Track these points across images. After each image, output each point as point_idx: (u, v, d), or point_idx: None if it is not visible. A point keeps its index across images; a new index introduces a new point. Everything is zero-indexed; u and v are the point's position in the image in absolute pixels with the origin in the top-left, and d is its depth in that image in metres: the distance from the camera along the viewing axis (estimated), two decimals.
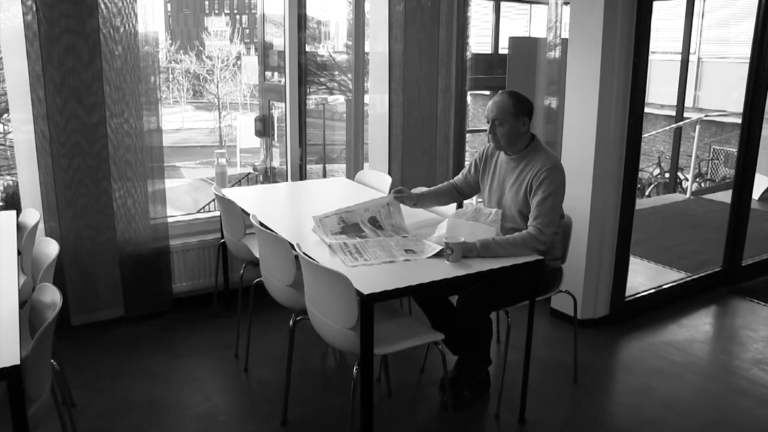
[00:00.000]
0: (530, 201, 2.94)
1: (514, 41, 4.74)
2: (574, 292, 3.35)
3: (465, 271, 2.61)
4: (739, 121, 4.83)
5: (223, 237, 3.92)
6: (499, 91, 3.07)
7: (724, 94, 12.08)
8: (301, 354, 3.51)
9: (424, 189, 3.40)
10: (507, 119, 2.96)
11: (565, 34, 5.19)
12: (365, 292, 2.33)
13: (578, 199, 3.80)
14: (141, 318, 3.95)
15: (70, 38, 3.45)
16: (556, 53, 5.28)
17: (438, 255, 2.74)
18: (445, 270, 2.61)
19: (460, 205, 3.48)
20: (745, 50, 4.60)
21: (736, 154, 4.88)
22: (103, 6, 3.49)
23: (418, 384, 3.35)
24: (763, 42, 4.47)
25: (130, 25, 3.58)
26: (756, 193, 7.51)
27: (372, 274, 2.54)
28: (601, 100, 3.67)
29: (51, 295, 2.20)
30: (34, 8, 3.33)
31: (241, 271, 3.58)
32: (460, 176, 3.37)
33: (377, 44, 4.61)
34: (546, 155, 2.98)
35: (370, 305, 2.35)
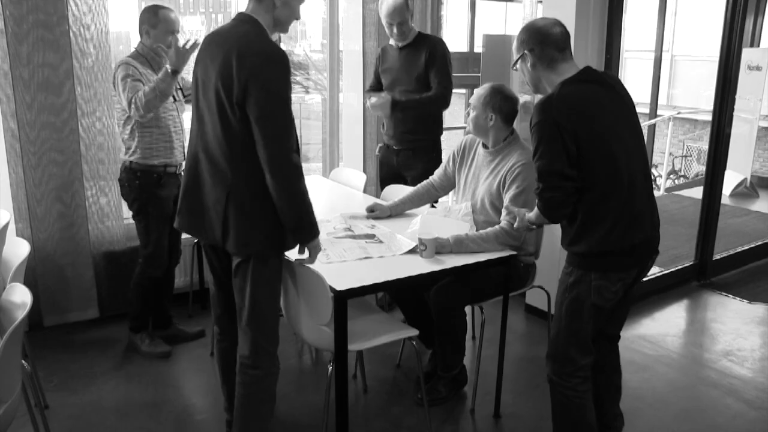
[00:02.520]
0: (503, 195, 2.96)
1: (488, 39, 4.76)
2: (548, 288, 3.37)
3: (438, 266, 2.63)
4: (710, 118, 4.90)
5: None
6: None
7: (696, 91, 12.25)
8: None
9: (396, 201, 3.39)
10: (476, 106, 3.06)
11: None
12: (338, 288, 2.34)
13: None
14: (115, 318, 3.91)
15: (38, 34, 3.40)
16: None
17: (412, 251, 2.75)
18: (419, 266, 2.62)
19: (432, 205, 3.50)
20: (716, 49, 4.67)
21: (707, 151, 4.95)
22: (72, 3, 3.45)
23: (393, 380, 3.37)
24: (732, 41, 4.54)
25: (102, 23, 3.55)
26: (727, 190, 7.64)
27: (346, 271, 2.54)
28: None
29: (21, 296, 2.18)
30: (1, 4, 3.28)
31: (162, 266, 3.54)
32: (438, 171, 3.40)
33: (352, 42, 4.61)
34: (522, 150, 3.02)
35: (343, 301, 2.36)
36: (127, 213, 3.85)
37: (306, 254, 2.33)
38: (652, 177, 10.97)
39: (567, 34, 2.32)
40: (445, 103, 3.82)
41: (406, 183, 3.83)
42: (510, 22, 6.52)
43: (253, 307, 2.31)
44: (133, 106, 3.07)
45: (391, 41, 3.83)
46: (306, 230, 2.26)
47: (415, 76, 3.76)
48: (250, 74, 2.09)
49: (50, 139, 3.55)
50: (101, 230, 3.80)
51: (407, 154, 3.89)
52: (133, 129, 3.25)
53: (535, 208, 2.34)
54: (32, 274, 3.61)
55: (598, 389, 2.61)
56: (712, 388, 3.36)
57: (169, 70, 3.03)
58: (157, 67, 3.26)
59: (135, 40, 3.70)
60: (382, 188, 3.92)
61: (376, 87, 4.01)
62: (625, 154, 2.23)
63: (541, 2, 4.27)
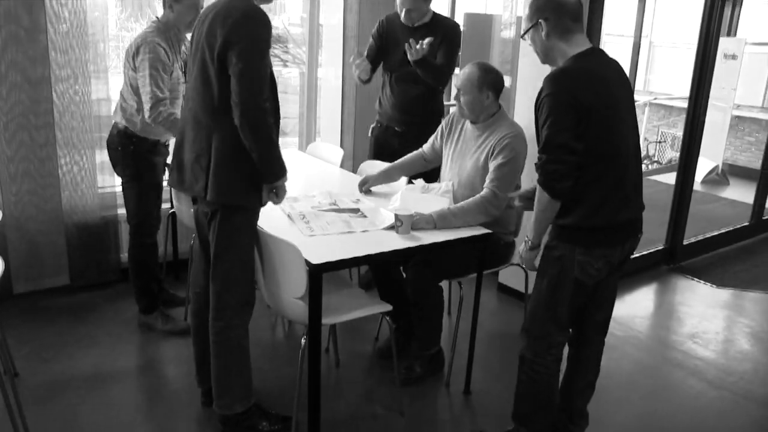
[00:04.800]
0: (489, 164, 2.98)
1: (469, 17, 4.75)
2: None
3: (415, 243, 2.65)
4: (685, 105, 4.95)
5: (173, 207, 3.86)
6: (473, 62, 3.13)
7: (673, 78, 12.36)
8: (250, 324, 3.50)
9: (386, 167, 3.43)
10: (470, 90, 3.03)
11: (520, 13, 5.22)
12: (314, 261, 2.35)
13: (530, 175, 3.85)
14: (87, 287, 3.88)
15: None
16: (511, 31, 5.30)
17: (392, 226, 2.76)
18: (396, 242, 2.64)
19: (410, 181, 3.51)
20: (695, 37, 4.72)
21: (681, 137, 5.01)
22: None
23: (366, 354, 3.39)
24: (710, 30, 4.59)
25: None
26: (699, 176, 7.75)
27: (323, 245, 2.55)
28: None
29: None
30: None
31: (191, 242, 3.53)
32: (427, 144, 3.42)
33: (331, 16, 4.57)
34: (510, 124, 3.06)
35: (318, 275, 2.36)
36: (102, 182, 3.82)
37: (272, 198, 2.46)
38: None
39: (581, 5, 2.29)
40: (442, 80, 3.73)
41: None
42: (491, 1, 6.50)
43: (216, 258, 2.45)
44: (154, 112, 3.02)
45: (402, 17, 3.68)
46: (274, 169, 2.36)
47: (430, 58, 3.60)
48: (231, 29, 2.20)
49: (23, 103, 3.49)
50: (74, 198, 3.75)
51: (411, 136, 3.71)
52: (140, 100, 3.15)
53: (532, 184, 2.34)
54: (3, 240, 3.56)
55: (570, 383, 2.63)
56: (677, 369, 3.45)
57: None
58: (176, 44, 3.18)
59: (112, 6, 3.63)
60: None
61: (373, 58, 3.81)
62: (624, 134, 2.25)
63: None
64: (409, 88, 3.72)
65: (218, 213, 2.40)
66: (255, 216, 2.48)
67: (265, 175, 2.37)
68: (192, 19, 3.16)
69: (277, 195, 2.45)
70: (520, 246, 2.45)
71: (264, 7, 2.31)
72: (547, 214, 2.26)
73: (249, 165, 2.32)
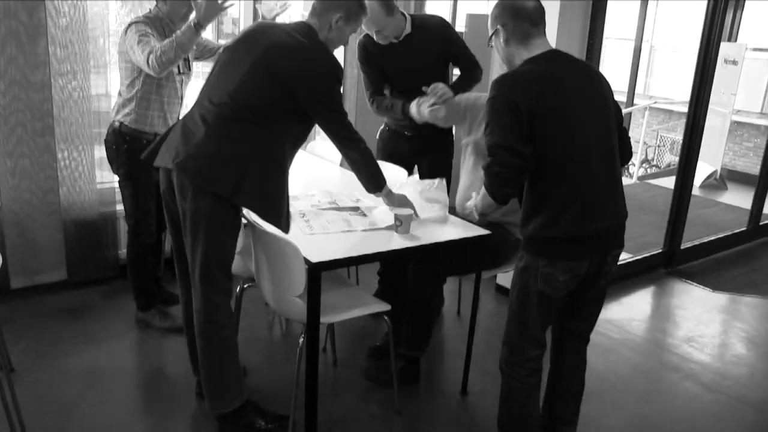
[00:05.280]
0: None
1: (471, 18, 4.74)
2: None
3: (415, 242, 2.65)
4: (685, 109, 4.96)
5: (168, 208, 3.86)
6: None
7: (673, 82, 12.38)
8: (248, 322, 3.51)
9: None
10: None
11: None
12: (313, 260, 2.34)
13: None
14: (85, 283, 3.88)
15: None
16: None
17: (391, 227, 2.76)
18: (396, 241, 2.64)
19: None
20: (695, 42, 4.72)
21: (681, 142, 5.02)
22: None
23: (364, 354, 3.39)
24: (711, 35, 4.59)
25: None
26: (697, 181, 7.77)
27: (322, 243, 2.55)
28: None
29: None
30: None
31: (153, 233, 3.52)
32: (371, 86, 3.50)
33: None
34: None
35: (317, 273, 2.36)
36: (100, 177, 3.82)
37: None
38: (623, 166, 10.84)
39: (541, 9, 2.27)
40: (478, 75, 3.51)
41: (410, 171, 3.65)
42: (493, 2, 6.50)
43: (194, 261, 2.45)
44: (151, 58, 2.92)
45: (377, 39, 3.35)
46: (378, 182, 2.69)
47: (431, 66, 3.41)
48: (314, 79, 2.38)
49: (22, 97, 3.48)
50: (73, 193, 3.74)
51: (421, 140, 3.56)
52: (137, 92, 3.15)
53: (482, 189, 2.28)
54: (0, 235, 3.55)
55: (552, 392, 2.58)
56: (672, 372, 3.45)
57: (194, 23, 2.91)
58: (170, 36, 3.13)
59: (112, 1, 3.63)
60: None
61: (381, 87, 3.54)
62: (583, 138, 2.16)
63: None
64: (388, 109, 3.48)
65: (207, 210, 2.35)
66: (237, 217, 2.46)
67: (371, 189, 2.69)
68: (186, 12, 3.16)
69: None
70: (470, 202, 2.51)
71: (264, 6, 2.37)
72: (490, 209, 2.36)
73: (273, 182, 2.40)
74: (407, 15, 3.34)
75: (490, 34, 2.31)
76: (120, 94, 3.26)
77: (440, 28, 3.44)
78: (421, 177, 3.56)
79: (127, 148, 3.22)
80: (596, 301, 2.44)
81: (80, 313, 3.61)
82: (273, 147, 2.40)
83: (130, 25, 3.08)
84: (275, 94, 2.35)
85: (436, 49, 3.39)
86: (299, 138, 2.51)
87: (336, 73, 2.42)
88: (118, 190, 3.86)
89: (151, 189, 3.32)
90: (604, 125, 2.25)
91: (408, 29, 3.34)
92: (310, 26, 2.44)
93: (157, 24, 3.14)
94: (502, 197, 2.20)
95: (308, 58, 2.37)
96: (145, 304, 3.49)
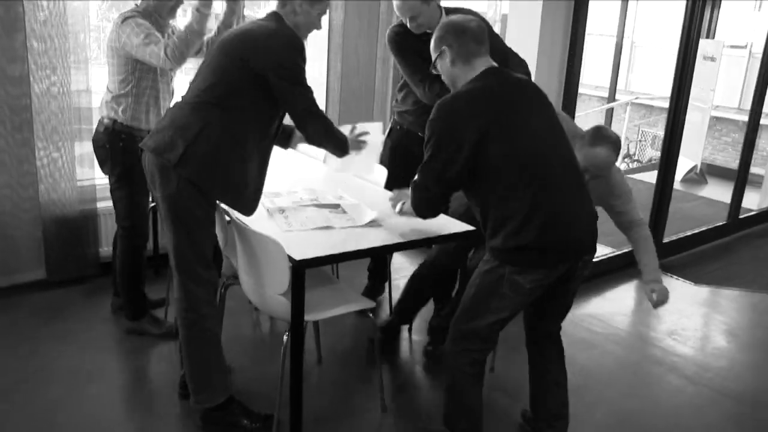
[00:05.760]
0: None
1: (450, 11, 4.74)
2: None
3: (397, 239, 2.64)
4: (666, 105, 5.00)
5: (153, 200, 3.82)
6: None
7: (653, 78, 12.48)
8: (232, 320, 3.48)
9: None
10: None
11: (505, 11, 5.23)
12: (297, 258, 2.33)
13: None
14: (65, 282, 3.83)
15: None
16: (495, 29, 5.31)
17: (372, 223, 2.75)
18: (378, 237, 2.62)
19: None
20: (675, 39, 4.76)
21: (662, 137, 5.06)
22: None
23: (348, 350, 3.38)
24: (691, 32, 4.62)
25: None
26: (678, 175, 7.84)
27: (304, 240, 2.53)
28: (537, 76, 3.72)
29: None
30: None
31: (147, 236, 3.48)
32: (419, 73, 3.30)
33: None
34: None
35: (301, 271, 2.35)
36: (81, 174, 3.76)
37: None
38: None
39: (484, 28, 2.31)
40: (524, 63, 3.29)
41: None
42: (475, 7, 6.54)
43: (176, 253, 2.46)
44: (168, 52, 2.88)
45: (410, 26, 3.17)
46: (341, 148, 2.73)
47: None
48: (275, 53, 2.36)
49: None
50: (53, 191, 3.69)
51: None
52: (132, 89, 3.09)
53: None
54: None
55: (536, 387, 2.61)
56: (656, 366, 3.48)
57: (197, 10, 2.91)
58: (158, 30, 3.07)
59: None
60: (394, 179, 3.38)
61: (426, 68, 3.11)
62: (538, 148, 2.19)
63: None
64: (436, 95, 3.09)
65: (174, 198, 2.37)
66: (212, 209, 2.48)
67: (337, 154, 2.72)
68: (173, 5, 3.12)
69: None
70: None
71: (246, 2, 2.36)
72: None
73: (227, 157, 2.39)
74: (442, 8, 3.19)
75: (434, 57, 2.34)
76: (109, 90, 3.18)
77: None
78: None
79: (123, 146, 3.12)
80: (566, 305, 2.50)
81: (60, 312, 3.56)
82: (234, 130, 2.39)
83: (125, 19, 2.99)
84: (236, 73, 2.37)
85: None
86: (266, 125, 2.50)
87: (296, 44, 2.40)
88: (99, 187, 3.84)
89: (146, 188, 3.23)
90: (557, 134, 2.28)
91: (444, 20, 3.16)
92: (276, 13, 2.47)
93: (148, 18, 3.08)
94: (424, 218, 2.42)
95: (268, 33, 2.39)
96: (136, 313, 3.36)
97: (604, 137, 2.68)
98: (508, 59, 3.15)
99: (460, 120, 2.15)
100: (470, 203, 2.38)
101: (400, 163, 3.47)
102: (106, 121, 3.16)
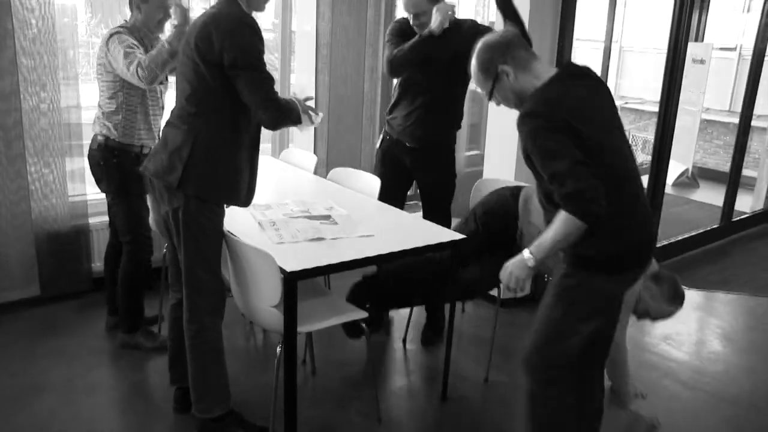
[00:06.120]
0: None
1: None
2: None
3: (389, 249, 2.64)
4: (656, 109, 5.02)
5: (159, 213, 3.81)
6: None
7: (643, 82, 12.52)
8: (225, 332, 3.44)
9: None
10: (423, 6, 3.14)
11: (492, 18, 5.25)
12: (288, 270, 2.33)
13: (502, 183, 3.88)
14: (58, 298, 3.81)
15: None
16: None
17: (363, 234, 2.75)
18: (370, 248, 2.63)
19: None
20: (664, 42, 4.78)
21: (652, 141, 5.08)
22: None
23: (343, 361, 3.37)
24: (679, 35, 4.65)
25: None
26: (669, 179, 7.86)
27: (296, 252, 2.53)
28: None
29: None
30: None
31: (164, 250, 3.48)
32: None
33: (304, 23, 4.56)
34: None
35: (293, 283, 2.35)
36: (72, 190, 3.75)
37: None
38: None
39: (522, 33, 2.22)
40: None
41: (406, 189, 3.58)
42: (462, 7, 6.54)
43: (186, 263, 2.48)
44: (139, 70, 2.88)
45: (413, 23, 3.26)
46: (293, 120, 2.53)
47: (451, 71, 3.24)
48: (227, 38, 2.27)
49: None
50: (45, 207, 3.68)
51: (422, 153, 3.43)
52: (121, 105, 3.09)
53: (556, 224, 1.96)
54: None
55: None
56: (652, 371, 3.48)
57: (173, 25, 2.89)
58: (149, 45, 3.11)
59: (82, 12, 3.58)
60: (386, 189, 3.46)
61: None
62: (620, 150, 2.08)
63: None
64: (426, 103, 3.32)
65: (182, 212, 2.40)
66: (220, 218, 2.49)
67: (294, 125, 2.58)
68: (161, 19, 3.13)
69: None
70: (512, 261, 2.09)
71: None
72: (571, 239, 1.95)
73: (223, 164, 2.42)
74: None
75: (490, 85, 2.13)
76: (100, 107, 3.18)
77: (469, 29, 3.23)
78: (423, 196, 3.53)
79: (117, 162, 3.14)
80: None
81: (54, 328, 3.55)
82: (221, 133, 2.40)
83: (111, 35, 3.02)
84: (203, 73, 2.34)
85: (459, 51, 3.15)
86: (248, 115, 2.44)
87: (249, 23, 2.30)
88: (90, 202, 3.84)
89: (143, 200, 3.22)
90: (624, 133, 2.20)
91: (446, 24, 3.17)
92: None
93: (136, 33, 3.09)
94: (596, 215, 1.90)
95: (218, 21, 2.31)
96: (132, 326, 3.36)
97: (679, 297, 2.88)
98: None
99: (557, 115, 1.96)
100: (547, 212, 2.13)
101: (390, 174, 3.51)
102: (99, 138, 3.16)
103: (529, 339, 2.25)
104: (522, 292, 2.15)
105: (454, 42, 3.14)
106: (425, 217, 3.42)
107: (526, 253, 2.03)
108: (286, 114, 2.45)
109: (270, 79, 2.37)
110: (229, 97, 2.36)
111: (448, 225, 3.32)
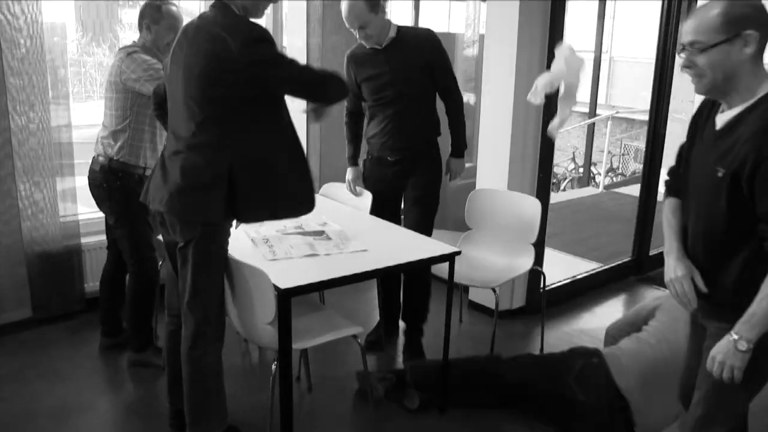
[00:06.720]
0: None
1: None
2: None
3: (383, 264, 2.63)
4: (646, 118, 5.04)
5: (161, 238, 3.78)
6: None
7: (633, 92, 12.61)
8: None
9: (356, 169, 3.57)
10: (365, 17, 3.11)
11: (483, 31, 5.28)
12: (282, 286, 2.32)
13: (496, 193, 3.88)
14: (50, 319, 3.78)
15: None
16: (474, 49, 5.36)
17: (357, 249, 2.74)
18: (364, 263, 2.62)
19: None
20: (653, 51, 4.81)
21: (644, 150, 5.09)
22: None
23: (339, 377, 3.35)
24: (667, 45, 4.68)
25: (33, 8, 3.39)
26: (662, 187, 7.88)
27: (290, 268, 2.52)
28: (516, 96, 3.74)
29: None
30: None
31: (159, 268, 3.48)
32: (347, 103, 3.48)
33: (295, 38, 4.57)
34: None
35: (287, 299, 2.34)
36: (63, 210, 3.73)
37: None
38: (591, 175, 10.96)
39: None
40: (460, 105, 3.44)
41: (397, 202, 3.56)
42: (453, 20, 6.58)
43: (193, 292, 2.38)
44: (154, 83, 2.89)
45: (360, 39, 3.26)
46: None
47: (414, 79, 3.28)
48: (243, 47, 2.14)
49: None
50: (35, 228, 3.66)
51: (404, 163, 3.41)
52: (130, 123, 3.07)
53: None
54: None
55: None
56: None
57: None
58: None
59: (72, 31, 3.57)
60: (377, 207, 3.47)
61: (355, 104, 3.50)
62: None
63: (485, 2, 4.32)
64: (397, 112, 3.33)
65: (195, 242, 2.32)
66: (227, 239, 2.42)
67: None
68: (170, 41, 3.12)
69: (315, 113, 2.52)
70: (719, 350, 1.80)
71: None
72: None
73: (219, 188, 2.25)
74: (392, 23, 3.26)
75: (721, 38, 1.73)
76: (105, 126, 3.16)
77: (426, 38, 3.30)
78: (406, 203, 3.50)
79: (120, 185, 3.10)
80: None
81: (46, 350, 3.51)
82: (258, 155, 2.28)
83: (129, 54, 3.01)
84: (221, 92, 2.21)
85: (418, 59, 3.26)
86: (279, 120, 2.33)
87: (259, 32, 2.21)
88: (83, 222, 3.82)
89: (146, 219, 3.13)
90: None
91: (392, 34, 3.23)
92: (222, 5, 2.25)
93: (147, 53, 3.08)
94: None
95: (225, 35, 2.16)
96: (141, 345, 3.32)
97: None
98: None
99: None
100: (722, 255, 1.86)
101: (377, 185, 3.52)
102: (101, 159, 3.14)
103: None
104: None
105: (413, 53, 3.24)
106: (406, 226, 3.36)
107: (733, 335, 1.75)
108: (336, 80, 2.41)
109: (299, 64, 2.29)
110: (251, 106, 2.24)
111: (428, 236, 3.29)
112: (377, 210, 3.44)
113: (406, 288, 3.52)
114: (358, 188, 3.56)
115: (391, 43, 3.24)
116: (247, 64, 2.15)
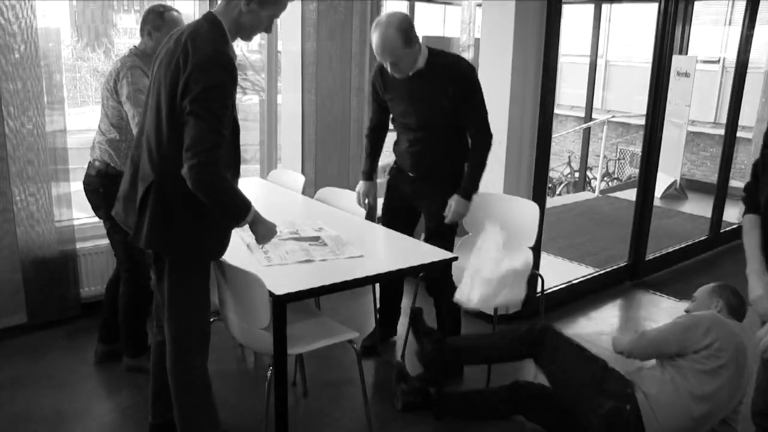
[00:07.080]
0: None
1: (427, 40, 4.77)
2: None
3: (379, 270, 2.63)
4: (642, 122, 5.05)
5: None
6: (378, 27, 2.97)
7: (629, 96, 12.63)
8: (215, 356, 3.41)
9: (369, 183, 3.52)
10: (398, 52, 2.95)
11: (478, 35, 5.29)
12: (278, 292, 2.31)
13: (493, 197, 3.88)
14: (46, 325, 3.76)
15: None
16: (469, 53, 5.38)
17: (353, 255, 2.74)
18: (359, 269, 2.61)
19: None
20: (649, 55, 4.83)
21: (640, 154, 5.10)
22: None
23: (334, 383, 3.34)
24: (663, 49, 4.70)
25: (27, 12, 3.38)
26: (658, 192, 7.90)
27: (285, 274, 2.52)
28: (512, 100, 3.75)
29: None
30: None
31: (152, 274, 3.47)
32: (372, 115, 3.49)
33: (290, 43, 4.57)
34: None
35: (282, 305, 2.33)
36: (59, 215, 3.72)
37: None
38: (587, 179, 10.99)
39: None
40: (488, 137, 3.22)
41: (414, 216, 3.50)
42: (449, 25, 6.59)
43: (171, 306, 2.37)
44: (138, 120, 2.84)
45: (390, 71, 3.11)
46: (235, 213, 2.27)
47: (438, 109, 3.14)
48: (192, 72, 2.06)
49: None
50: (30, 233, 3.64)
51: (422, 183, 3.34)
52: (126, 132, 3.06)
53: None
54: None
55: None
56: None
57: None
58: None
59: (67, 36, 3.56)
60: (387, 217, 3.51)
61: (380, 118, 3.46)
62: None
63: (480, 6, 4.33)
64: (419, 139, 3.26)
65: (167, 262, 2.31)
66: (206, 264, 2.39)
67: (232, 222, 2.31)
68: None
69: (255, 234, 2.35)
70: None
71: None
72: None
73: (189, 218, 2.23)
74: (424, 47, 3.10)
75: None
76: (102, 132, 3.15)
77: (453, 66, 3.13)
78: (426, 231, 3.43)
79: (116, 190, 3.10)
80: None
81: (42, 355, 3.50)
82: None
83: (126, 65, 3.01)
84: (169, 119, 2.15)
85: (442, 90, 3.08)
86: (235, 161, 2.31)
87: (223, 59, 2.09)
88: (78, 227, 3.81)
89: None
90: None
91: (421, 65, 3.07)
92: (212, 18, 2.18)
93: (146, 60, 3.04)
94: None
95: (197, 47, 2.08)
96: (136, 351, 3.32)
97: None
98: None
99: None
100: None
101: (395, 196, 3.50)
102: (97, 164, 3.13)
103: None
104: None
105: (438, 84, 3.08)
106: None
107: None
108: (232, 191, 2.24)
109: (223, 131, 2.12)
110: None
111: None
112: (389, 217, 3.46)
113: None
114: (367, 200, 3.50)
115: (417, 74, 3.09)
116: (186, 78, 2.07)
